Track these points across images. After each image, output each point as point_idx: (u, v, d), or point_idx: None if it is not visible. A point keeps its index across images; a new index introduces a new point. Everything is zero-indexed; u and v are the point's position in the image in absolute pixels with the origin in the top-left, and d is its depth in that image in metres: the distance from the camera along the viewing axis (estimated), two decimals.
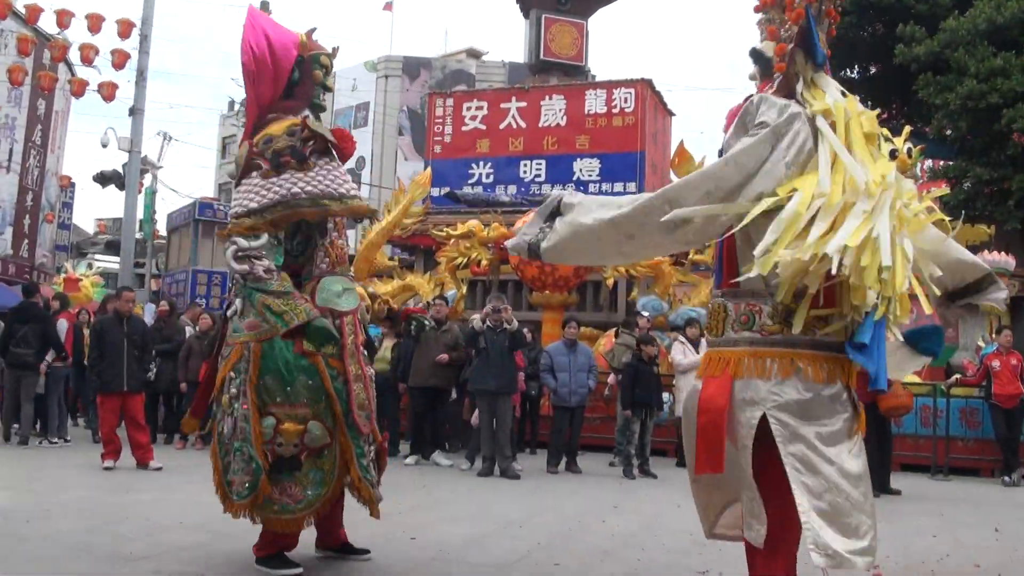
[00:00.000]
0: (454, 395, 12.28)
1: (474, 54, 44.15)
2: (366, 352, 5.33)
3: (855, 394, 4.05)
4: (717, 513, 4.49)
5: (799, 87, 4.14)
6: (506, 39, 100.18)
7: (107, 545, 5.84)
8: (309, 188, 5.00)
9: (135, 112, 20.96)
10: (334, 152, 5.29)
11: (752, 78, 4.42)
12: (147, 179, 28.80)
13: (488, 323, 11.16)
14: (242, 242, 4.99)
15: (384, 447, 5.48)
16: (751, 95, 4.21)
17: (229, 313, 5.22)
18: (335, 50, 5.74)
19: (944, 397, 12.82)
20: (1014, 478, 11.85)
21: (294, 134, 5.20)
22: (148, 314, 17.88)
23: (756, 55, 4.45)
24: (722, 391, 3.96)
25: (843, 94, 4.12)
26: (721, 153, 4.19)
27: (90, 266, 45.69)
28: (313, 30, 5.70)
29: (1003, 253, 15.93)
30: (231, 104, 47.03)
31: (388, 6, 45.17)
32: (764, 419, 3.89)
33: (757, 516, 3.92)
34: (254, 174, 5.15)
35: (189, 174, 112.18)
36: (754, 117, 4.02)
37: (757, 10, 4.54)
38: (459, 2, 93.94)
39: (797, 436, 3.84)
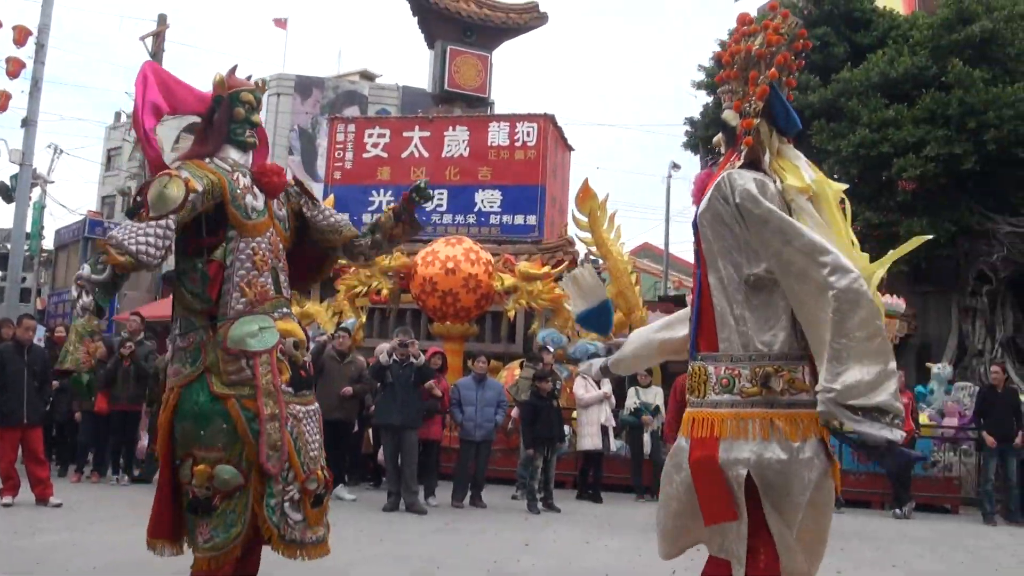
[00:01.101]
0: (356, 427, 12.21)
1: (368, 76, 43.93)
2: (292, 389, 5.23)
3: (829, 445, 4.33)
4: (683, 546, 4.61)
5: (766, 158, 4.33)
6: (401, 62, 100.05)
7: None
8: (118, 235, 4.82)
9: (28, 123, 20.24)
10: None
11: (717, 145, 4.54)
12: (35, 192, 27.86)
13: (395, 357, 11.12)
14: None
15: (328, 483, 5.35)
16: (723, 170, 4.35)
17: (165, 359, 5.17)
18: (261, 83, 5.66)
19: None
20: (905, 511, 12.32)
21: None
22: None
23: (723, 125, 4.59)
24: (710, 451, 4.17)
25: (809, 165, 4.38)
26: (695, 224, 4.37)
27: None
28: (235, 67, 5.63)
29: (893, 296, 16.56)
30: (117, 115, 45.83)
31: (281, 23, 44.68)
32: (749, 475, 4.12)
33: (739, 559, 4.15)
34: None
35: (76, 188, 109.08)
36: (733, 194, 4.19)
37: (720, 80, 4.60)
38: (354, 23, 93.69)
39: (776, 489, 4.12)
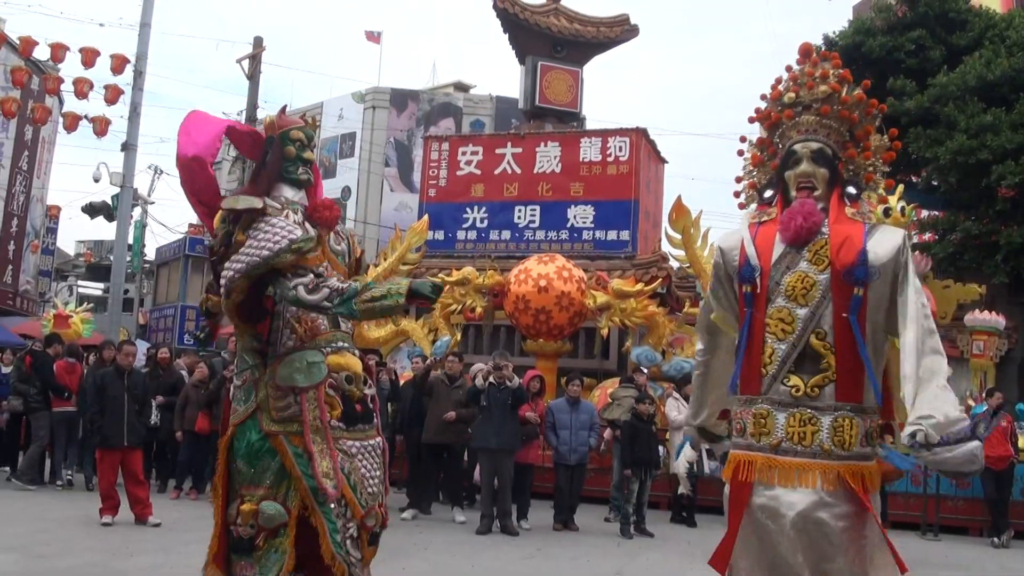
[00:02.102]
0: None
1: (462, 87, 44.18)
2: (343, 425, 5.23)
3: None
4: None
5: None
6: (494, 73, 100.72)
7: None
8: (238, 265, 4.94)
9: (128, 148, 20.88)
10: (272, 216, 5.17)
11: (806, 177, 4.58)
12: (136, 212, 28.72)
13: (491, 380, 11.23)
14: (301, 279, 4.99)
15: (385, 521, 5.41)
16: (838, 209, 4.47)
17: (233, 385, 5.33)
18: (313, 120, 5.76)
19: None
20: (1003, 540, 12.02)
21: (225, 220, 5.23)
22: (139, 349, 17.82)
23: (830, 161, 4.57)
24: (865, 506, 4.18)
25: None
26: (862, 269, 4.33)
27: (71, 290, 45.70)
28: (284, 108, 5.77)
29: (993, 312, 16.14)
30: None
31: (374, 37, 45.19)
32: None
33: None
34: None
35: (177, 207, 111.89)
36: (906, 251, 4.36)
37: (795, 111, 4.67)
38: (447, 35, 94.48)
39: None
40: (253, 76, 26.33)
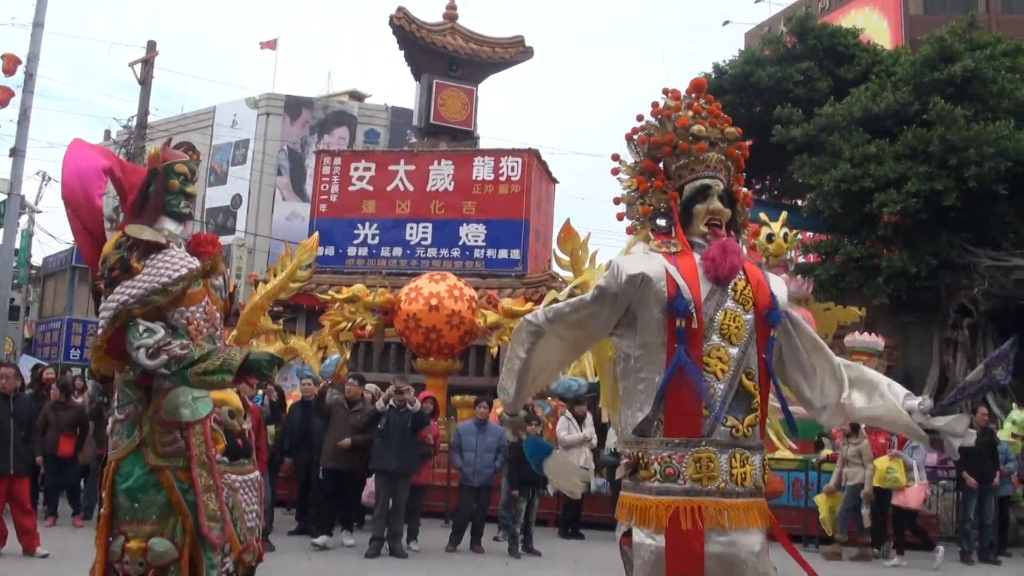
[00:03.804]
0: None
1: (357, 96, 44.01)
2: (227, 459, 5.23)
3: None
4: None
5: None
6: (390, 82, 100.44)
7: None
8: (134, 291, 4.89)
9: (16, 153, 20.15)
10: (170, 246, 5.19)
11: (718, 214, 4.56)
12: (23, 220, 27.87)
13: (391, 403, 11.19)
14: (144, 342, 4.93)
15: (261, 555, 5.39)
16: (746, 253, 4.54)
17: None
18: (195, 154, 5.77)
19: (814, 471, 13.45)
20: (883, 550, 12.36)
21: (120, 246, 5.18)
22: (24, 366, 17.34)
23: (732, 201, 4.53)
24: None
25: None
26: (775, 314, 4.36)
27: None
28: (168, 141, 5.77)
29: (872, 334, 16.67)
30: (106, 133, 45.78)
31: (269, 44, 44.83)
32: None
33: None
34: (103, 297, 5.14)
35: (63, 215, 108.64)
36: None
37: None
38: (343, 44, 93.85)
39: None
40: (145, 81, 25.77)
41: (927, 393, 17.61)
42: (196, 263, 4.99)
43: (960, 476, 13.01)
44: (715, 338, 4.10)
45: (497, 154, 19.61)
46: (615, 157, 4.68)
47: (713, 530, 3.96)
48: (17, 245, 24.76)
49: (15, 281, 26.11)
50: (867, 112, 18.78)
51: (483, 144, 22.43)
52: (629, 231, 4.64)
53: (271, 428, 12.14)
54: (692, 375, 4.01)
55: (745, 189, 4.71)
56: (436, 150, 20.24)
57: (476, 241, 19.13)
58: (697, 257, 4.21)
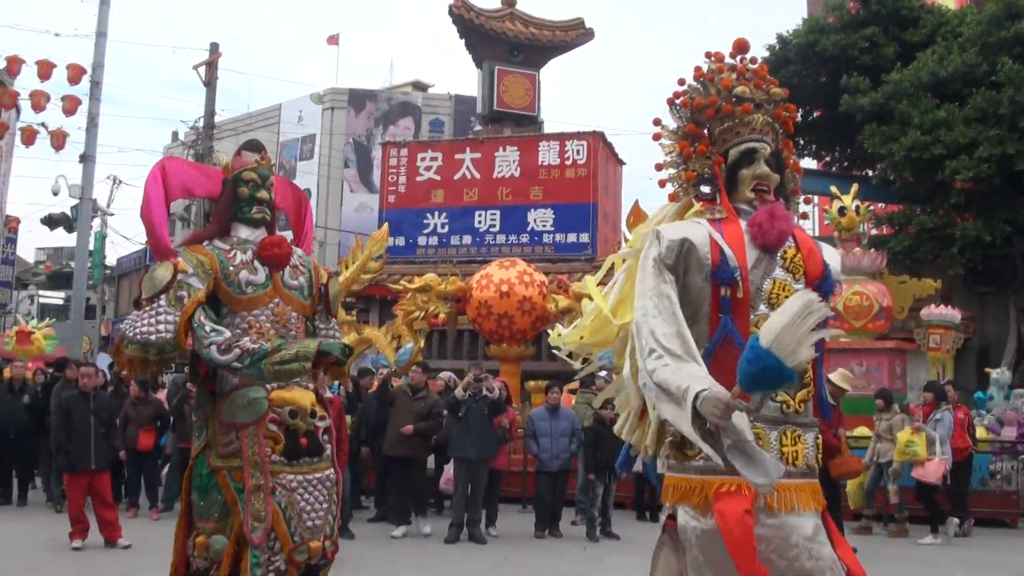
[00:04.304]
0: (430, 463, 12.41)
1: (420, 86, 44.16)
2: (284, 459, 5.32)
3: None
4: None
5: None
6: (452, 72, 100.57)
7: None
8: (129, 332, 5.03)
9: (86, 159, 20.78)
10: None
11: (767, 179, 4.27)
12: (96, 222, 28.58)
13: (469, 391, 11.34)
14: (215, 339, 5.11)
15: (328, 553, 5.47)
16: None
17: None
18: (263, 157, 5.82)
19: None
20: (964, 528, 12.19)
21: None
22: (101, 362, 17.81)
23: (780, 165, 4.24)
24: None
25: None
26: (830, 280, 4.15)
27: (31, 300, 45.34)
28: (240, 150, 5.80)
29: (948, 306, 16.41)
30: (174, 135, 46.59)
31: (333, 39, 45.21)
32: None
33: None
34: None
35: (137, 216, 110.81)
36: None
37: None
38: (405, 35, 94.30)
39: None
40: (210, 83, 26.27)
41: (1005, 365, 17.37)
42: (169, 332, 4.99)
43: None
44: (763, 308, 3.85)
45: (562, 138, 19.66)
46: (656, 122, 4.42)
47: (761, 511, 3.70)
48: (91, 247, 25.44)
49: (90, 282, 26.81)
50: (935, 76, 18.47)
51: (547, 129, 22.48)
52: (671, 198, 4.39)
53: (348, 418, 12.37)
54: (739, 346, 3.66)
55: (799, 160, 4.54)
56: (501, 136, 20.33)
57: (544, 226, 19.21)
58: (743, 224, 3.97)
